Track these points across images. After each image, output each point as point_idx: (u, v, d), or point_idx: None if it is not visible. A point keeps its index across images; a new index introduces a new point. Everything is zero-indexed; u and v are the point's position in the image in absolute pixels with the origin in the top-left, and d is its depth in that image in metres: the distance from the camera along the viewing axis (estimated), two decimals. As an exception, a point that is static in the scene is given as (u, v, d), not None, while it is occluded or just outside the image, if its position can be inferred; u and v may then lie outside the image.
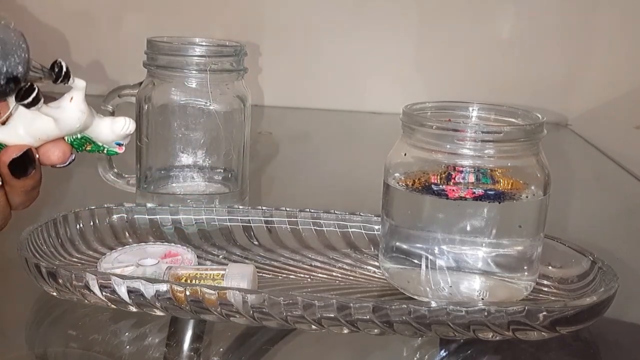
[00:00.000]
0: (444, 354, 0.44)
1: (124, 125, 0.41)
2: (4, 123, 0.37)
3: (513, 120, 0.50)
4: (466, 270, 0.47)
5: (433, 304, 0.42)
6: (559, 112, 1.16)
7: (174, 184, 0.65)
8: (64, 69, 0.37)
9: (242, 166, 0.66)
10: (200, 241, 0.57)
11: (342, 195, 0.76)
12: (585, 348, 0.46)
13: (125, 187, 0.66)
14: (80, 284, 0.44)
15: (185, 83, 0.62)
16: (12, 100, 0.37)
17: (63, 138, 0.40)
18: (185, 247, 0.54)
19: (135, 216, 0.57)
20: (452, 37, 1.14)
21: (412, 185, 0.48)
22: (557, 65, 1.14)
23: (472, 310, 0.42)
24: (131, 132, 0.41)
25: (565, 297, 0.49)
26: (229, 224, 0.58)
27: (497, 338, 0.43)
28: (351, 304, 0.42)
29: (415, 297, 0.48)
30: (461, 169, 0.46)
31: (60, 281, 0.45)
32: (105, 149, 0.42)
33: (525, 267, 0.48)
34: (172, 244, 0.55)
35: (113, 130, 0.41)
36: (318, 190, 0.79)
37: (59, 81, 0.37)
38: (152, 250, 0.53)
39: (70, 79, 0.38)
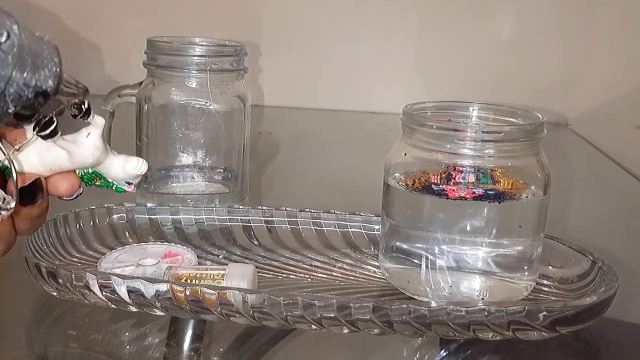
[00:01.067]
0: (444, 354, 0.44)
1: (136, 166, 0.41)
2: (18, 150, 0.37)
3: (513, 120, 0.50)
4: (466, 270, 0.47)
5: (433, 304, 0.42)
6: (559, 112, 1.16)
7: (174, 184, 0.65)
8: (85, 107, 0.38)
9: (242, 166, 0.66)
10: (200, 241, 0.57)
11: (342, 195, 0.76)
12: (585, 348, 0.46)
13: (126, 187, 0.66)
14: (80, 283, 0.44)
15: (185, 83, 0.62)
16: (29, 129, 0.37)
17: (74, 170, 0.40)
18: (185, 247, 0.54)
19: (136, 216, 0.57)
20: (452, 37, 1.14)
21: (412, 185, 0.48)
22: (557, 65, 1.14)
23: (472, 310, 0.42)
24: (142, 174, 0.42)
25: (566, 297, 0.49)
26: (229, 223, 0.58)
27: (497, 338, 0.43)
28: (351, 304, 0.42)
29: (415, 297, 0.48)
30: (461, 168, 0.46)
31: (61, 281, 0.45)
32: (114, 186, 0.42)
33: (525, 267, 0.48)
34: (172, 243, 0.55)
35: (125, 169, 0.41)
36: (318, 190, 0.79)
37: (78, 117, 0.38)
38: (152, 250, 0.53)
39: (90, 115, 0.38)
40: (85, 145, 0.38)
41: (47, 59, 0.31)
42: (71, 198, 0.40)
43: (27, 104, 0.31)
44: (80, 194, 0.41)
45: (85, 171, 0.40)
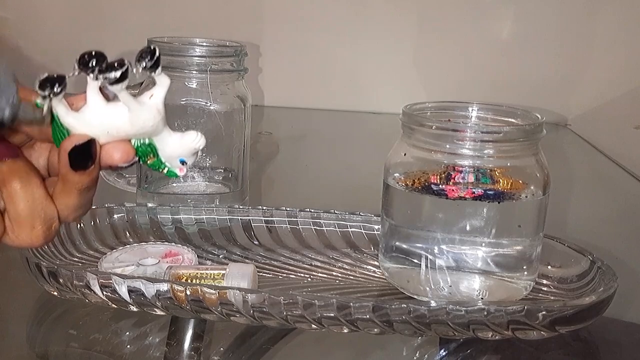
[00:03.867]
0: (444, 354, 0.44)
1: (194, 139, 0.38)
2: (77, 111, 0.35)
3: (512, 120, 0.50)
4: (466, 269, 0.48)
5: (433, 304, 0.42)
6: (559, 112, 1.16)
7: (174, 184, 0.65)
8: (156, 56, 0.34)
9: (243, 166, 0.66)
10: (201, 241, 0.57)
11: (342, 195, 0.76)
12: (585, 347, 0.46)
13: (126, 187, 0.66)
14: (81, 283, 0.44)
15: (186, 83, 0.62)
16: (92, 88, 0.34)
17: (129, 141, 0.37)
18: (185, 247, 0.54)
19: (136, 216, 0.57)
20: (452, 37, 1.14)
21: (412, 185, 0.48)
22: (557, 65, 1.14)
23: (472, 310, 0.42)
24: (200, 148, 0.38)
25: (565, 296, 0.49)
26: (229, 223, 0.58)
27: (497, 337, 0.44)
28: (351, 304, 0.42)
29: (415, 297, 0.49)
30: (461, 168, 0.46)
31: (61, 281, 0.45)
32: (167, 168, 0.38)
33: (524, 267, 0.48)
34: (173, 243, 0.55)
35: (182, 142, 0.38)
36: (318, 190, 0.79)
37: (145, 68, 0.34)
38: (152, 250, 0.53)
39: (158, 69, 0.35)
40: (147, 106, 0.35)
41: (3, 86, 0.29)
42: (126, 166, 0.36)
43: None
44: (136, 162, 0.37)
45: (141, 142, 0.37)
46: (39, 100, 0.34)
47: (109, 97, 0.35)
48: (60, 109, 0.34)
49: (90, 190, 0.37)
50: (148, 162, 0.38)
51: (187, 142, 0.38)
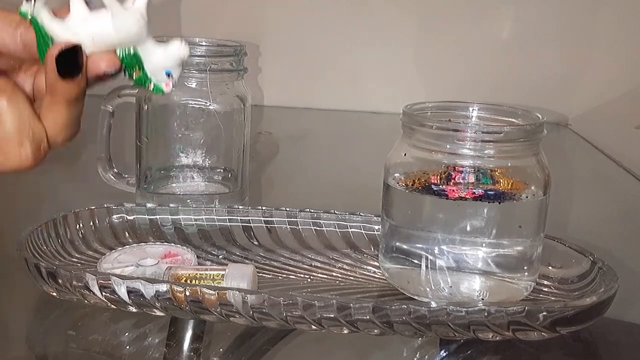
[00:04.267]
0: (444, 354, 0.44)
1: (179, 47, 0.38)
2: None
3: (513, 120, 0.50)
4: (466, 270, 0.47)
5: (433, 304, 0.42)
6: (559, 112, 1.16)
7: (173, 184, 0.65)
8: None
9: (242, 166, 0.66)
10: (200, 241, 0.57)
11: (342, 195, 0.76)
12: (585, 348, 0.46)
13: (125, 187, 0.66)
14: (80, 284, 0.44)
15: (185, 83, 0.62)
16: None
17: (114, 51, 0.36)
18: (185, 247, 0.54)
19: (135, 216, 0.57)
20: (452, 37, 1.14)
21: (412, 185, 0.48)
22: (557, 65, 1.14)
23: (472, 311, 0.42)
24: (185, 57, 0.38)
25: (565, 297, 0.49)
26: (228, 224, 0.58)
27: (497, 338, 0.43)
28: (351, 304, 0.42)
29: (415, 297, 0.48)
30: (461, 169, 0.46)
31: (60, 281, 0.45)
32: (152, 83, 0.38)
33: (525, 267, 0.48)
34: (172, 244, 0.55)
35: (167, 52, 0.38)
36: (318, 190, 0.79)
37: None
38: (151, 251, 0.53)
39: None
40: (131, 10, 0.36)
41: None
42: (113, 74, 0.36)
43: None
44: (122, 70, 0.37)
45: (126, 52, 0.37)
46: (22, 8, 0.33)
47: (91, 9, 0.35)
48: (44, 15, 0.34)
49: (79, 103, 0.36)
50: (134, 76, 0.38)
51: (172, 51, 0.38)
